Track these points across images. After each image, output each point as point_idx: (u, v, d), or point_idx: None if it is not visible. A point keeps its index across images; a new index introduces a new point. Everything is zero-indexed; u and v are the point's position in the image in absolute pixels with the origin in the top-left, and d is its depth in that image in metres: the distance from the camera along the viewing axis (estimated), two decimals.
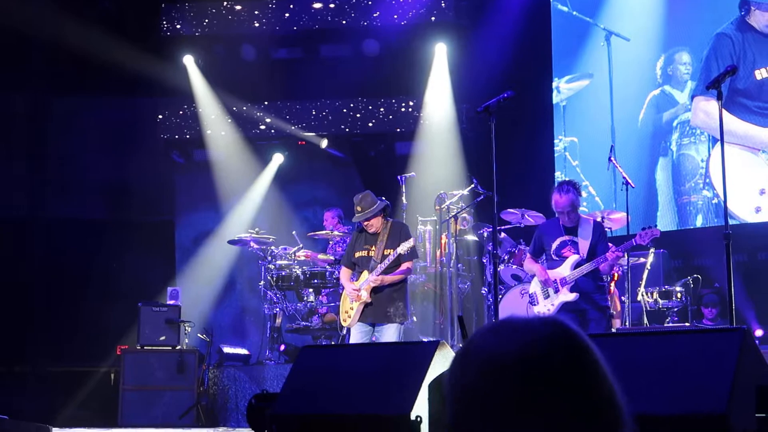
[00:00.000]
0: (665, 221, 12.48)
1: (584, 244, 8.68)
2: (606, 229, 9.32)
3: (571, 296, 8.63)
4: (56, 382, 13.07)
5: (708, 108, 12.04)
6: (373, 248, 8.98)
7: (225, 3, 14.49)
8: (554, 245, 8.81)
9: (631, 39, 13.08)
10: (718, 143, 11.73)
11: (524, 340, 1.62)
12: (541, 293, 8.84)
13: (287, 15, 14.47)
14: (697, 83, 12.35)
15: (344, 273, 9.29)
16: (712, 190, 12.12)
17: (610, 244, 8.59)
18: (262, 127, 14.64)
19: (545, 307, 8.82)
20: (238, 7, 14.51)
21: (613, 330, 9.34)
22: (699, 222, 12.30)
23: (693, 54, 12.58)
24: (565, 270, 8.67)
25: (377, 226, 9.01)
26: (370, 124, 14.48)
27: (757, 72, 11.90)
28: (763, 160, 11.71)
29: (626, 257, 9.83)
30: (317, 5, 14.40)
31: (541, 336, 1.62)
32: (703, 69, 12.40)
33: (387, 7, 14.19)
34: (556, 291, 8.68)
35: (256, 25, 14.50)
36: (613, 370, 1.65)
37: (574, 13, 13.60)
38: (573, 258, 8.66)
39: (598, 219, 9.50)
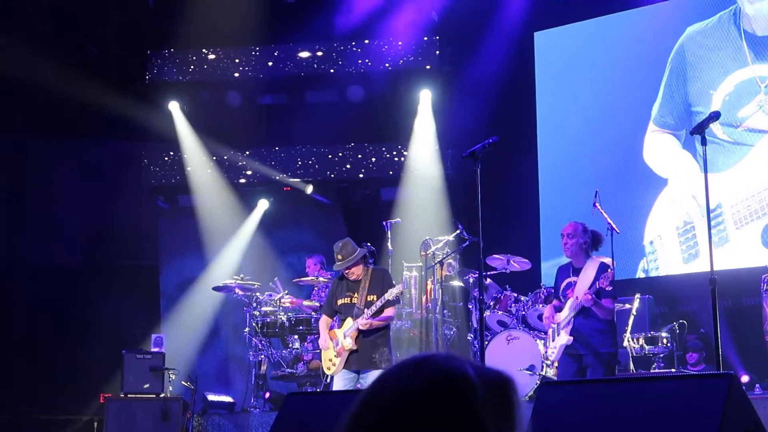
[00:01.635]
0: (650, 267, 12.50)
1: (581, 286, 8.69)
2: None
3: (565, 339, 8.66)
4: (39, 430, 12.93)
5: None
6: (356, 295, 8.95)
7: (210, 49, 14.55)
8: (562, 287, 8.90)
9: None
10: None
11: (407, 377, 1.68)
12: (551, 336, 8.94)
13: (273, 62, 14.53)
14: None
15: (324, 321, 9.25)
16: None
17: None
18: (248, 173, 14.65)
19: (551, 350, 8.91)
20: (223, 54, 14.57)
21: None
22: (685, 268, 12.30)
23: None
24: (564, 312, 8.74)
25: (358, 274, 9.00)
26: (356, 171, 14.50)
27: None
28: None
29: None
30: (304, 54, 14.47)
31: (422, 374, 1.68)
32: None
33: (372, 54, 14.28)
34: (558, 332, 8.75)
35: (241, 71, 14.55)
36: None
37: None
38: (571, 300, 8.71)
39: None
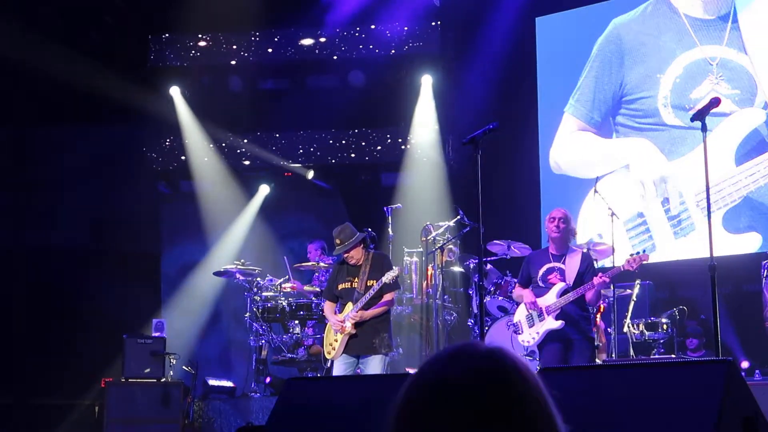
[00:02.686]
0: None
1: (571, 272, 8.67)
2: (593, 260, 9.36)
3: (557, 324, 8.59)
4: (40, 415, 12.96)
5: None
6: (356, 280, 8.96)
7: (211, 34, 14.52)
8: (541, 272, 8.81)
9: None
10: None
11: (460, 368, 1.63)
12: (525, 322, 8.80)
13: (274, 47, 14.50)
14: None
15: (328, 306, 9.25)
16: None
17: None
18: (248, 158, 14.64)
19: (530, 335, 8.78)
20: (224, 39, 14.54)
21: (599, 362, 9.33)
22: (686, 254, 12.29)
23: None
24: (551, 297, 8.65)
25: (357, 258, 9.00)
26: (357, 156, 14.48)
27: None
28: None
29: (612, 288, 9.84)
30: (307, 41, 14.42)
31: (476, 365, 1.63)
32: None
33: (374, 40, 14.25)
34: (541, 318, 8.65)
35: (242, 56, 14.52)
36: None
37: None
38: (559, 285, 8.66)
39: (584, 250, 9.52)
